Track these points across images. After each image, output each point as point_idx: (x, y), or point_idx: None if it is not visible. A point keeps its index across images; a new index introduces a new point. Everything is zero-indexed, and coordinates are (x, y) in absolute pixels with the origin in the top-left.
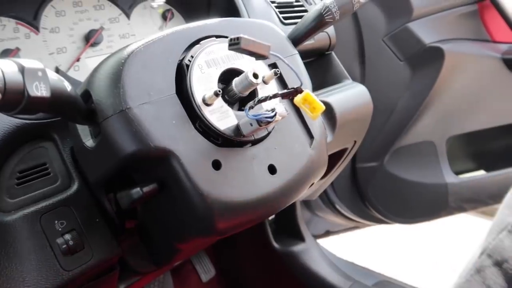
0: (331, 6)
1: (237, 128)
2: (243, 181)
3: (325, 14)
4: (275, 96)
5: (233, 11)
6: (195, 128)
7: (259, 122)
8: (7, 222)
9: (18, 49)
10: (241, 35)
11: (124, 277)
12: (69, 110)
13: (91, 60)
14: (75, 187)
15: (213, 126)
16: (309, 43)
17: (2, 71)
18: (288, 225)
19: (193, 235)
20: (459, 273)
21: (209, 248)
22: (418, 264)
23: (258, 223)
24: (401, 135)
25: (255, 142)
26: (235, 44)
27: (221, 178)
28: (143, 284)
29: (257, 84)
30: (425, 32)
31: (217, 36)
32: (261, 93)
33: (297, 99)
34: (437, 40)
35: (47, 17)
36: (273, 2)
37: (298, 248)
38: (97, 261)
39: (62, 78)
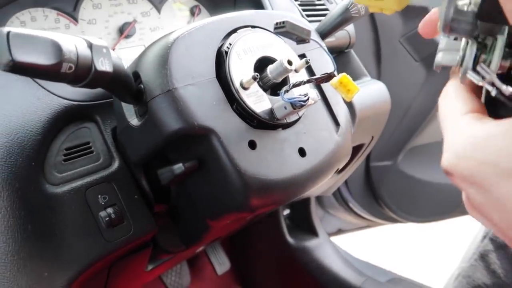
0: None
1: (271, 112)
2: (276, 161)
3: (351, 8)
4: (309, 81)
5: (258, 7)
6: (233, 110)
7: (293, 105)
8: (57, 193)
9: None
10: (286, 19)
11: (153, 256)
12: (123, 87)
13: (124, 51)
14: (116, 165)
15: (250, 109)
16: (330, 40)
17: (75, 46)
18: (302, 220)
19: (227, 211)
20: (462, 256)
21: (225, 241)
22: (430, 263)
23: (286, 203)
24: (415, 134)
25: (286, 126)
26: (281, 27)
27: (257, 157)
28: (167, 267)
29: (291, 70)
30: None
31: (253, 27)
32: (293, 81)
33: (334, 81)
34: None
35: (85, 9)
36: (296, 0)
37: (311, 243)
38: (136, 235)
39: (120, 57)
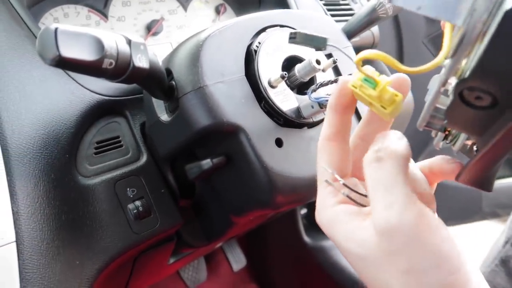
0: (384, 2)
1: (297, 110)
2: (301, 160)
3: (379, 8)
4: (336, 80)
5: (283, 6)
6: (261, 107)
7: (320, 104)
8: (88, 185)
9: None
10: (298, 31)
11: (175, 250)
12: (157, 83)
13: (151, 48)
14: (144, 159)
15: (277, 107)
16: (354, 40)
17: (116, 43)
18: None
19: (252, 207)
20: (482, 260)
21: (241, 239)
22: None
23: (310, 201)
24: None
25: (312, 125)
26: (293, 38)
27: (283, 155)
28: (186, 262)
29: (319, 69)
30: None
31: (281, 26)
32: (319, 80)
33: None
34: None
35: (115, 6)
36: (321, 0)
37: (328, 243)
38: (162, 228)
39: (156, 54)
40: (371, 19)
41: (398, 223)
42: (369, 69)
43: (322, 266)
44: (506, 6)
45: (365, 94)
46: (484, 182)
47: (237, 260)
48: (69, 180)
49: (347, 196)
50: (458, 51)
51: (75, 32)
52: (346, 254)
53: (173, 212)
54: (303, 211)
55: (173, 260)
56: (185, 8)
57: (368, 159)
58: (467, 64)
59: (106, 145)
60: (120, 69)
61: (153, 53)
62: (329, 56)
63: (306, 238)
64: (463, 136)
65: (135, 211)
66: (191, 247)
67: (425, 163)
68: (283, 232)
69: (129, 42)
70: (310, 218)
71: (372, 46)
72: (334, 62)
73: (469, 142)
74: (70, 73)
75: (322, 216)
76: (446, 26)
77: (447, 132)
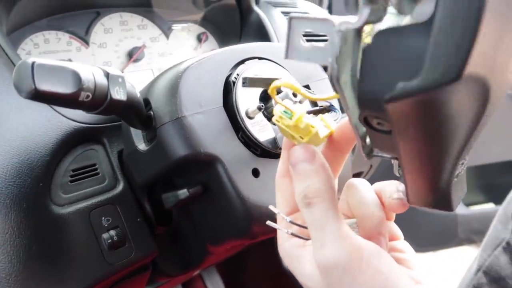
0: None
1: (274, 141)
2: None
3: None
4: (311, 112)
5: (264, 37)
6: (238, 138)
7: None
8: (62, 214)
9: (70, 60)
10: (247, 76)
11: (150, 279)
12: (135, 114)
13: (132, 74)
14: (120, 187)
15: (254, 137)
16: None
17: (93, 75)
18: None
19: (228, 237)
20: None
21: (220, 265)
22: None
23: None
24: None
25: None
26: (245, 83)
27: (260, 185)
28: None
29: (296, 102)
30: None
31: (260, 58)
32: None
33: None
34: None
35: (97, 33)
36: None
37: None
38: (137, 257)
39: (134, 86)
40: None
41: (331, 261)
42: (286, 100)
43: None
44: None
45: (285, 126)
46: (438, 202)
47: (216, 287)
48: (42, 209)
49: (292, 234)
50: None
51: (52, 66)
52: (304, 286)
53: (148, 241)
54: None
55: None
56: (167, 36)
57: (299, 203)
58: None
59: (82, 173)
60: (97, 101)
61: (131, 85)
62: (306, 87)
63: (285, 265)
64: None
65: (109, 240)
66: (167, 276)
67: (378, 186)
68: (262, 258)
69: (107, 74)
70: None
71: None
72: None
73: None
74: (55, 106)
75: (281, 250)
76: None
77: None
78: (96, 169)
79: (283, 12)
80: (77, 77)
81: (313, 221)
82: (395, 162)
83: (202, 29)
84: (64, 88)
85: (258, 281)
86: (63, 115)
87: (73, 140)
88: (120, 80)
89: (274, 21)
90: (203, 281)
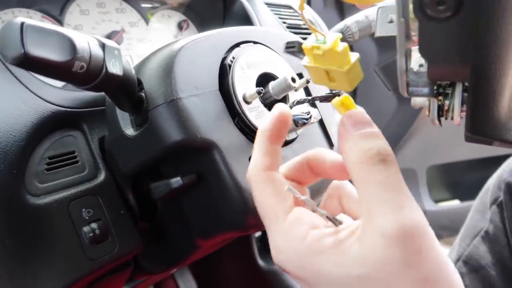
0: (352, 26)
1: None
2: None
3: (345, 33)
4: (313, 99)
5: (247, 25)
6: (234, 124)
7: (296, 122)
8: (38, 205)
9: None
10: (298, 40)
11: (130, 277)
12: (127, 94)
13: None
14: (102, 177)
15: (251, 123)
16: None
17: (89, 44)
18: None
19: (221, 229)
20: None
21: (193, 264)
22: None
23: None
24: None
25: (284, 144)
26: (291, 47)
27: None
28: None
29: (294, 87)
30: None
31: (254, 42)
32: (291, 99)
33: (336, 101)
34: None
35: (72, 14)
36: (284, 23)
37: None
38: (121, 253)
39: (130, 62)
40: None
41: (412, 224)
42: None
43: None
44: None
45: (321, 54)
46: (501, 132)
47: (188, 286)
48: (16, 200)
49: (327, 217)
50: None
51: (44, 28)
52: (338, 283)
53: (132, 236)
54: (257, 234)
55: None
56: (146, 21)
57: (366, 161)
58: None
59: (60, 160)
60: (92, 74)
61: (126, 60)
62: (300, 75)
63: (260, 261)
64: (457, 99)
65: (90, 234)
66: (149, 273)
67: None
68: (236, 255)
69: (102, 45)
70: (264, 241)
71: None
72: (307, 81)
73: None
74: (22, 79)
75: (287, 254)
76: None
77: (439, 100)
78: (75, 157)
79: (266, 4)
80: (71, 44)
81: (388, 180)
82: (432, 107)
83: (183, 17)
84: (57, 55)
85: (231, 279)
86: (39, 97)
87: (50, 125)
88: (116, 52)
89: (258, 10)
90: (175, 281)
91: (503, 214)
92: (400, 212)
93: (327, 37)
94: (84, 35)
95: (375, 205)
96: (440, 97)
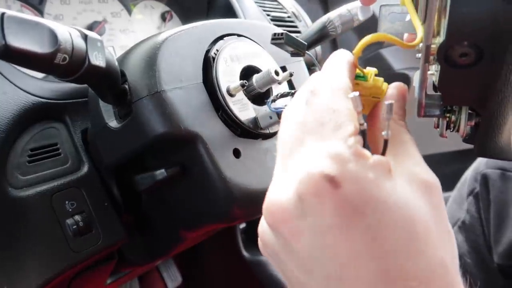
0: (334, 20)
1: (255, 121)
2: (259, 171)
3: (328, 26)
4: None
5: (231, 17)
6: (218, 116)
7: (279, 115)
8: (20, 197)
9: None
10: (285, 32)
11: (114, 269)
12: (110, 86)
13: None
14: (85, 169)
15: (235, 116)
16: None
17: (71, 36)
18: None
19: (206, 221)
20: None
21: (177, 256)
22: None
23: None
24: None
25: (268, 136)
26: (278, 39)
27: (241, 166)
28: (123, 282)
29: (278, 80)
30: (395, 59)
31: (238, 35)
32: (275, 92)
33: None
34: (404, 67)
35: (52, 3)
36: (268, 15)
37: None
38: (105, 245)
39: (113, 54)
40: (321, 36)
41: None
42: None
43: (260, 280)
44: None
45: (363, 88)
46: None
47: (173, 278)
48: None
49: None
50: (427, 12)
51: (27, 19)
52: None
53: (116, 227)
54: (242, 225)
55: (111, 280)
56: (129, 12)
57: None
58: (441, 31)
59: (42, 153)
60: (74, 66)
61: (109, 52)
62: (283, 68)
63: (245, 252)
64: (464, 116)
65: (74, 226)
66: (133, 265)
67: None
68: (220, 247)
69: (84, 37)
70: (249, 233)
71: (316, 63)
72: (291, 74)
73: (472, 123)
74: (2, 70)
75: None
76: (407, 3)
77: (447, 118)
78: (57, 149)
79: None
80: (53, 35)
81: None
82: (441, 124)
83: (166, 8)
84: (38, 47)
85: (216, 270)
86: (20, 88)
87: (31, 116)
88: (99, 44)
89: (242, 2)
90: (160, 273)
91: (479, 204)
92: (428, 169)
93: (368, 73)
94: (66, 26)
95: (408, 156)
96: (448, 114)
